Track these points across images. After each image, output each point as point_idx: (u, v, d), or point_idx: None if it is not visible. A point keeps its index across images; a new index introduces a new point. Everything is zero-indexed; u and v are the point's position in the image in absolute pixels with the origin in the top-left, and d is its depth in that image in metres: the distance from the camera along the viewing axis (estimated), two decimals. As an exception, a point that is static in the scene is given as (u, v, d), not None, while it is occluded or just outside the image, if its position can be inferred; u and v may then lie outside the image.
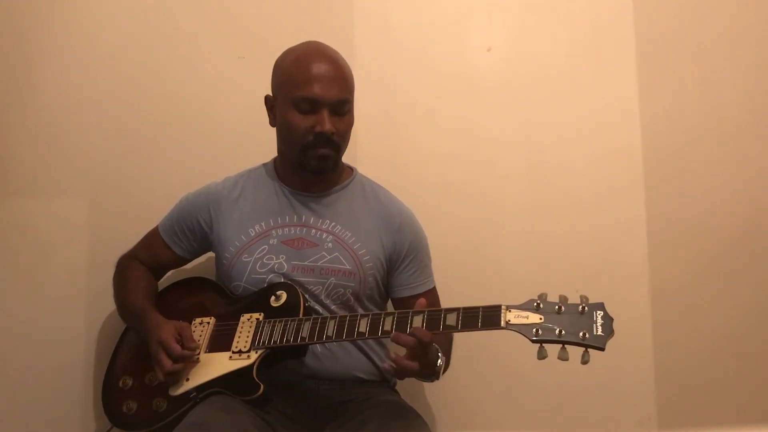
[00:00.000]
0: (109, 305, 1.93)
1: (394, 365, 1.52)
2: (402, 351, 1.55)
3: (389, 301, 1.91)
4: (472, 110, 2.24)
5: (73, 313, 2.03)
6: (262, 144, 1.98)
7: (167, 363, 1.64)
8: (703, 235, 2.23)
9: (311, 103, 1.72)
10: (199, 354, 1.70)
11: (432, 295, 1.87)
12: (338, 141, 1.76)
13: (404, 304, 1.83)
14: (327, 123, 1.72)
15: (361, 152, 2.03)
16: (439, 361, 1.61)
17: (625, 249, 2.23)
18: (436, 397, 2.11)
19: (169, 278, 1.98)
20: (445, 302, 1.86)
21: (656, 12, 2.27)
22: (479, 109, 2.25)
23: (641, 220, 2.22)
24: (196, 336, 1.72)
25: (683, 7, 2.28)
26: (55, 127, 2.05)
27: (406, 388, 1.93)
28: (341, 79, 1.76)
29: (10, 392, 1.97)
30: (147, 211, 1.97)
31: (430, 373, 1.61)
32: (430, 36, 2.25)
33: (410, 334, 1.50)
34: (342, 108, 1.76)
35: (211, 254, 1.91)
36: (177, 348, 1.65)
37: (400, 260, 1.84)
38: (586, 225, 2.22)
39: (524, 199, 2.23)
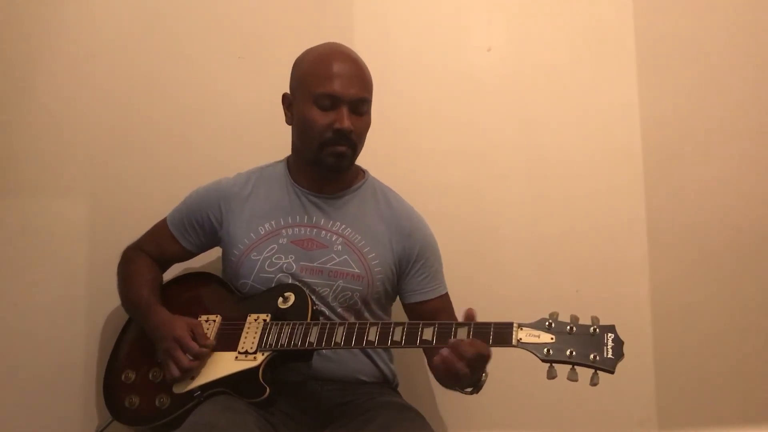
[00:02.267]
0: (110, 305, 1.93)
1: (444, 363, 1.48)
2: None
3: (395, 304, 1.91)
4: (472, 110, 2.24)
5: (74, 312, 2.01)
6: (262, 144, 1.98)
7: (184, 360, 1.64)
8: (703, 235, 2.23)
9: (331, 100, 1.72)
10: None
11: (444, 300, 1.86)
12: (355, 140, 1.75)
13: (415, 309, 1.84)
14: (346, 120, 1.72)
15: (361, 152, 2.02)
16: (484, 375, 1.58)
17: (625, 249, 2.23)
18: (437, 397, 2.11)
19: (174, 273, 1.97)
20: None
21: (656, 12, 2.28)
22: (479, 109, 2.25)
23: (641, 220, 2.22)
24: (202, 334, 1.72)
25: (683, 8, 2.28)
26: (55, 127, 2.04)
27: (407, 389, 1.93)
28: (361, 78, 1.77)
29: (10, 390, 1.96)
30: (147, 211, 1.96)
31: (473, 384, 1.59)
32: (430, 36, 2.25)
33: (471, 344, 1.47)
34: (361, 107, 1.76)
35: (218, 250, 1.90)
36: (194, 345, 1.65)
37: (410, 265, 1.83)
38: (586, 225, 2.22)
39: (524, 199, 2.24)
